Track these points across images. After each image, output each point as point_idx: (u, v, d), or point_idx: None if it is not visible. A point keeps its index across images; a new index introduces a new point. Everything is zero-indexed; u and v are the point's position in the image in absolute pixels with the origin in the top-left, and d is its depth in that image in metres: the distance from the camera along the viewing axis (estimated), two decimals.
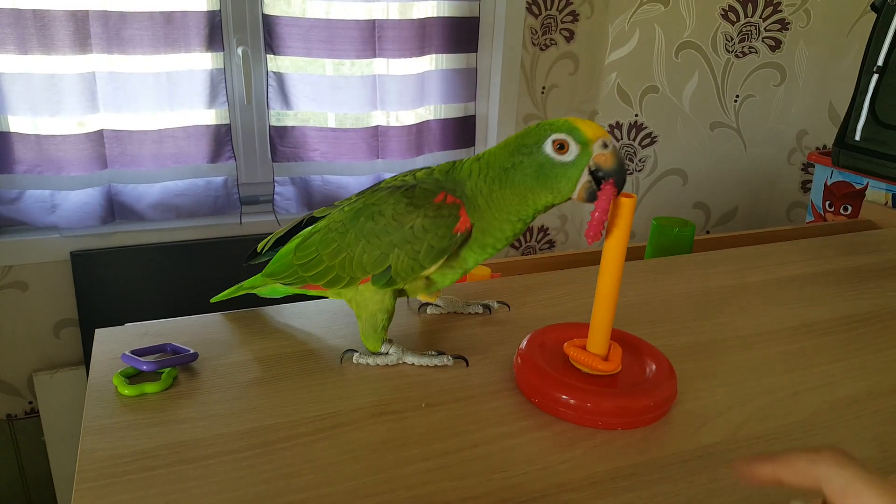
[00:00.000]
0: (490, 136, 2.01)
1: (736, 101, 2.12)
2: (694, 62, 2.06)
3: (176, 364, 0.64)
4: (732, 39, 2.04)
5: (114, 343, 0.68)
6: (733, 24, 2.02)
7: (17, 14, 1.43)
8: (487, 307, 0.79)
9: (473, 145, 1.98)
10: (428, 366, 0.67)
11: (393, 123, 1.83)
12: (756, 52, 2.07)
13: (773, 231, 1.24)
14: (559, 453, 0.56)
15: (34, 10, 1.44)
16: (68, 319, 1.67)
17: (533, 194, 0.60)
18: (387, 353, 0.68)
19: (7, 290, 1.61)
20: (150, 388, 0.60)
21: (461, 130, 1.95)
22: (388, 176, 1.87)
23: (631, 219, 0.58)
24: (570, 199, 0.60)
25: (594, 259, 1.09)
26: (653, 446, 0.57)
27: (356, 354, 0.68)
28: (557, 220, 2.16)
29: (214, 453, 0.53)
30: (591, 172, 0.59)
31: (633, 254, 1.13)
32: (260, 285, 0.76)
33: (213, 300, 0.79)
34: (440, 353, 0.67)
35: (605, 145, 0.58)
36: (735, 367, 0.70)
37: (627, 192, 0.58)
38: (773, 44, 2.06)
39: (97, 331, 0.70)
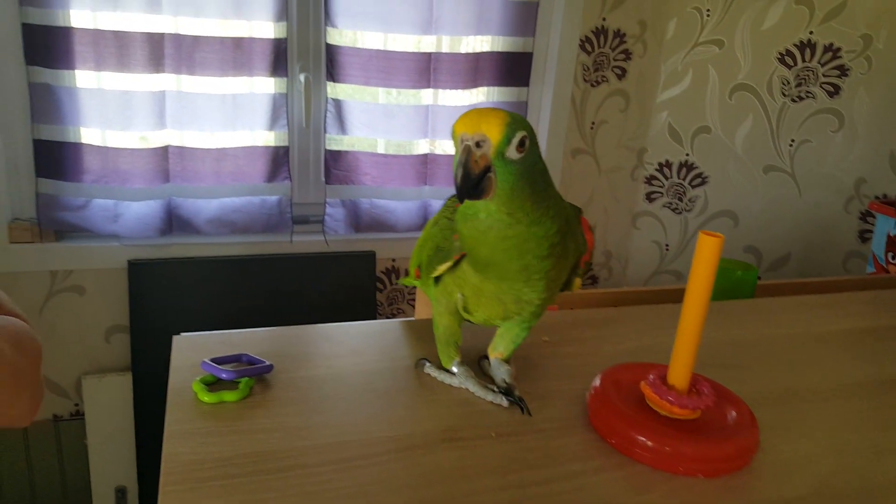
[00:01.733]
0: None
1: (791, 145, 2.10)
2: (748, 104, 2.05)
3: (253, 374, 0.66)
4: (789, 83, 2.03)
5: (191, 350, 0.70)
6: (790, 68, 2.02)
7: (97, 34, 1.50)
8: (509, 397, 0.67)
9: None
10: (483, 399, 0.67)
11: (440, 152, 1.86)
12: (813, 97, 2.05)
13: (835, 280, 1.22)
14: (636, 496, 0.55)
15: (115, 31, 1.51)
16: (119, 325, 1.72)
17: None
18: (453, 374, 0.69)
19: (65, 293, 1.66)
20: (228, 396, 0.61)
21: None
22: (435, 203, 1.90)
23: (717, 258, 0.58)
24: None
25: (654, 298, 1.09)
26: (734, 496, 0.56)
27: (428, 364, 0.70)
28: (602, 256, 2.16)
29: (291, 466, 0.54)
30: None
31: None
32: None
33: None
34: (502, 392, 0.67)
35: (463, 143, 0.55)
36: (815, 419, 0.69)
37: (713, 232, 0.58)
38: (832, 89, 2.05)
39: (175, 337, 0.72)
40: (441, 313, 0.69)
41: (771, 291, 1.17)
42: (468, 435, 0.61)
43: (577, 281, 0.69)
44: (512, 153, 0.55)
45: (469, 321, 0.70)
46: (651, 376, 0.64)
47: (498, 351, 0.71)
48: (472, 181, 0.54)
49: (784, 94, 2.05)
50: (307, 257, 1.79)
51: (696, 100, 2.04)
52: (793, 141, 2.10)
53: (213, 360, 0.66)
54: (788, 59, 2.01)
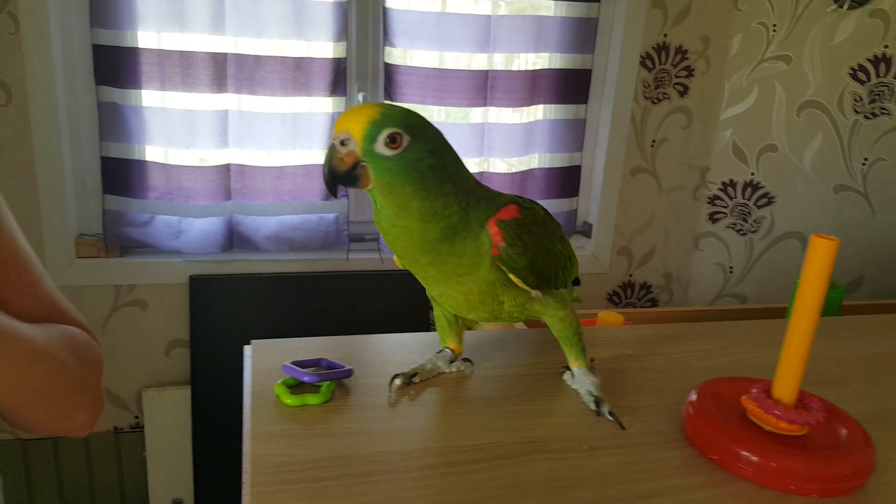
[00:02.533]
0: (594, 187, 1.99)
1: (864, 164, 2.02)
2: (817, 122, 1.98)
3: (335, 378, 0.64)
4: (861, 100, 1.96)
5: (269, 354, 0.69)
6: (863, 83, 1.94)
7: (162, 54, 1.54)
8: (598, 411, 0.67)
9: (577, 195, 1.96)
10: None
11: (496, 170, 1.84)
12: (888, 114, 1.97)
13: None
14: None
15: (180, 52, 1.54)
16: (180, 340, 1.73)
17: None
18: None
19: (128, 307, 1.68)
20: (311, 399, 0.60)
21: (566, 179, 1.93)
22: None
23: (831, 263, 0.54)
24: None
25: (731, 315, 1.04)
26: None
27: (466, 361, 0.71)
28: (662, 279, 2.10)
29: (379, 471, 0.52)
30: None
31: (770, 313, 1.07)
32: None
33: None
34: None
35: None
36: None
37: (827, 235, 0.54)
38: None
39: (254, 342, 0.71)
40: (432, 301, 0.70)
41: (855, 311, 1.11)
42: (559, 447, 0.57)
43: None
44: (381, 149, 0.55)
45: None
46: (754, 390, 0.60)
47: (571, 359, 0.69)
48: (335, 177, 0.57)
49: (856, 111, 1.97)
50: (363, 275, 1.78)
51: (762, 117, 1.98)
52: (866, 159, 2.02)
53: (293, 364, 0.64)
54: (861, 75, 1.94)
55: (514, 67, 1.78)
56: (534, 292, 0.63)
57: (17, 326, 0.54)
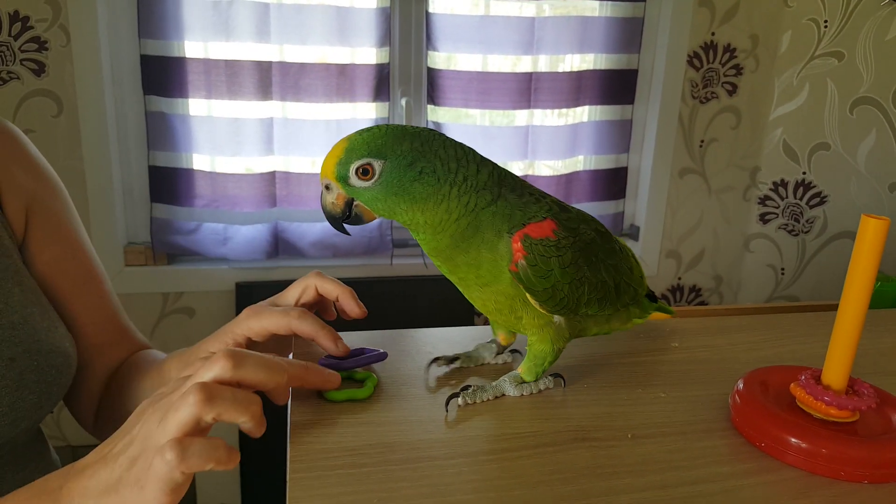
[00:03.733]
0: (642, 188, 1.95)
1: None
2: (871, 119, 1.92)
3: (369, 362, 0.64)
4: None
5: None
6: None
7: (208, 63, 1.57)
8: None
9: (624, 197, 1.93)
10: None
11: (541, 173, 1.83)
12: None
13: None
14: (793, 500, 0.49)
15: (226, 60, 1.58)
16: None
17: None
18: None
19: (176, 314, 1.71)
20: (357, 394, 0.59)
21: (612, 181, 1.91)
22: None
23: (882, 243, 0.52)
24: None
25: (782, 311, 1.00)
26: None
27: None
28: (712, 281, 2.04)
29: (420, 457, 0.51)
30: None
31: (822, 309, 1.03)
32: None
33: None
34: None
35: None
36: None
37: (877, 216, 0.52)
38: None
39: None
40: None
41: None
42: (601, 436, 0.56)
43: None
44: (358, 183, 0.55)
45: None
46: (803, 377, 0.58)
47: (523, 368, 0.63)
48: (337, 222, 0.58)
49: None
50: (406, 280, 1.79)
51: (814, 115, 1.92)
52: None
53: (329, 357, 0.65)
54: None
55: (559, 69, 1.77)
56: (556, 318, 0.60)
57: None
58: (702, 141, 1.91)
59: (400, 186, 0.54)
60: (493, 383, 0.62)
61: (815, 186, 1.98)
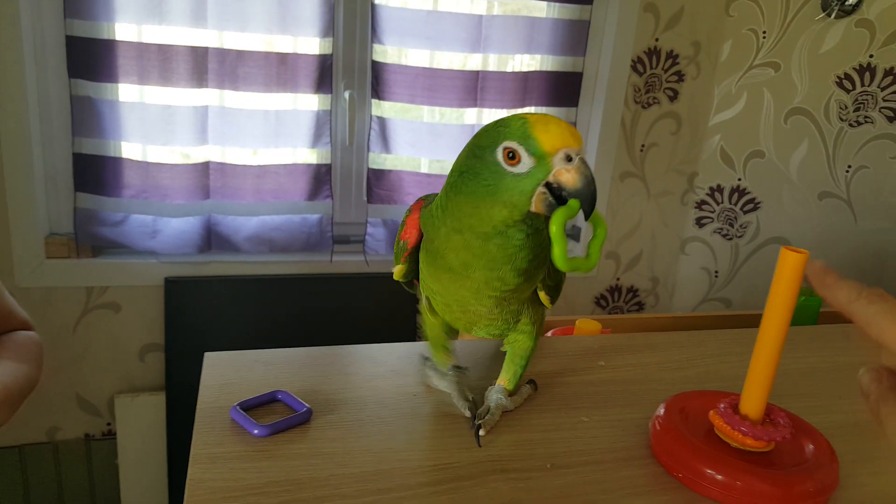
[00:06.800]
0: None
1: (847, 171, 2.01)
2: (804, 129, 1.97)
3: (289, 426, 0.57)
4: (847, 108, 1.95)
5: (223, 367, 0.66)
6: (848, 92, 1.93)
7: (141, 47, 1.50)
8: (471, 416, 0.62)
9: None
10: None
11: None
12: (872, 123, 1.96)
13: None
14: None
15: (159, 45, 1.51)
16: (154, 344, 1.69)
17: (485, 205, 0.52)
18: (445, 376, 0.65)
19: (101, 310, 1.64)
20: (582, 265, 0.56)
21: None
22: None
23: (800, 276, 0.52)
24: (529, 212, 0.52)
25: (705, 324, 1.02)
26: None
27: (430, 362, 0.68)
28: (649, 283, 2.08)
29: (328, 496, 0.49)
30: (549, 185, 0.50)
31: (746, 321, 1.05)
32: None
33: None
34: (469, 409, 0.61)
35: (568, 158, 0.49)
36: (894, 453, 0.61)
37: (797, 248, 0.52)
38: (892, 114, 1.95)
39: (207, 354, 0.68)
40: (423, 311, 0.65)
41: (832, 319, 1.09)
42: (520, 467, 0.55)
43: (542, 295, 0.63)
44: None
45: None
46: (722, 405, 0.58)
47: (502, 378, 0.64)
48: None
49: (841, 119, 1.96)
50: (347, 277, 1.76)
51: (750, 123, 1.97)
52: (849, 167, 2.01)
53: (243, 405, 0.59)
54: (847, 83, 1.93)
55: (508, 69, 1.76)
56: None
57: (16, 378, 0.58)
58: (642, 145, 1.93)
59: None
60: (492, 403, 0.61)
61: (749, 192, 2.03)
